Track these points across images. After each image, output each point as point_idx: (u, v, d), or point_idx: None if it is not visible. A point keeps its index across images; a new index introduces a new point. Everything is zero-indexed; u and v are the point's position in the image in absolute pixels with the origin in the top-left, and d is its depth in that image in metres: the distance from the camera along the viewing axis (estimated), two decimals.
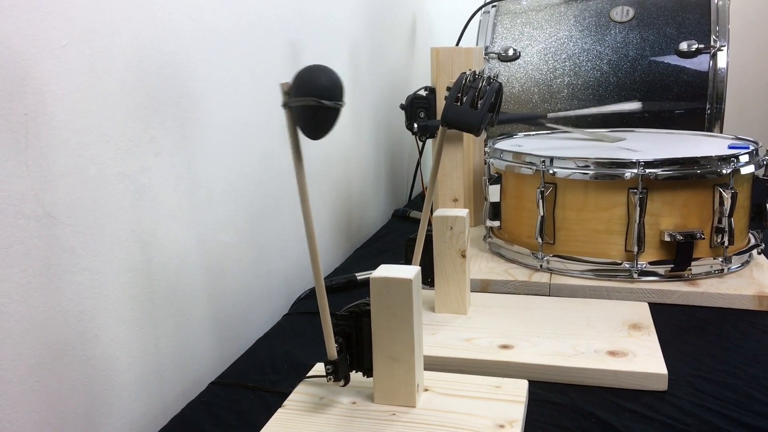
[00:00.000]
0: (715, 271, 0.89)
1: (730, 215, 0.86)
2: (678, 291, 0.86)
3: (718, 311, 0.83)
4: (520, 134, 1.21)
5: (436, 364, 0.70)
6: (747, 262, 0.93)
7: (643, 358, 0.68)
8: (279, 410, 0.61)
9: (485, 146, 1.08)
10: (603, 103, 1.32)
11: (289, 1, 0.94)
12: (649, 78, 1.30)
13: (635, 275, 0.88)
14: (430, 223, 0.78)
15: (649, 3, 1.36)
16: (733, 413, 0.61)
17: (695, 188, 0.87)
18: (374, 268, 0.60)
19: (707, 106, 1.28)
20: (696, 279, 0.88)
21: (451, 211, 0.78)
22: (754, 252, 0.94)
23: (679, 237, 0.85)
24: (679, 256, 0.87)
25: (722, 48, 1.27)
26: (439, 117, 0.95)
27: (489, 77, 0.65)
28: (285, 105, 0.51)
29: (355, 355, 0.61)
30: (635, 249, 0.87)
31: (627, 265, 0.88)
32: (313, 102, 0.49)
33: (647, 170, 0.85)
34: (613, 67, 1.33)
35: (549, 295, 0.90)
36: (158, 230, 0.67)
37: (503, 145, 1.05)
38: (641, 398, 0.64)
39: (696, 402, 0.63)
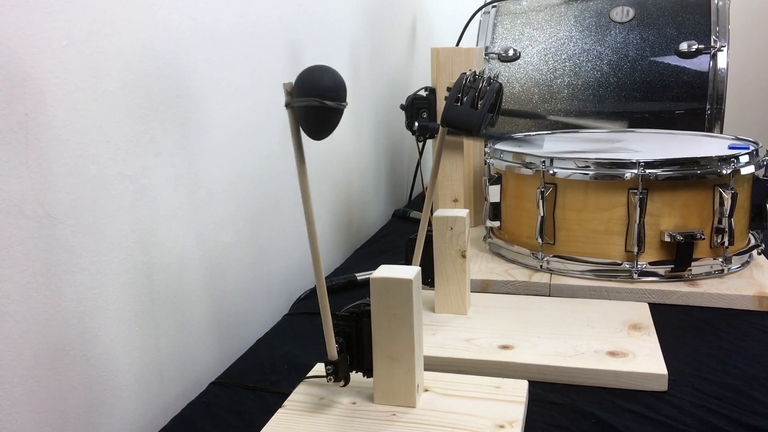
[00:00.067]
0: (715, 271, 0.89)
1: (730, 216, 0.86)
2: (678, 291, 0.86)
3: (718, 312, 0.83)
4: (520, 134, 1.21)
5: (436, 365, 0.70)
6: (747, 262, 0.93)
7: (643, 359, 0.68)
8: (279, 410, 0.61)
9: (485, 147, 1.08)
10: (603, 103, 1.32)
11: (289, 1, 0.94)
12: (650, 78, 1.30)
13: (635, 276, 0.88)
14: (430, 224, 0.78)
15: (650, 3, 1.36)
16: (733, 413, 0.61)
17: (695, 188, 0.87)
18: (374, 268, 0.60)
19: (707, 107, 1.28)
20: (696, 279, 0.88)
21: (451, 211, 0.78)
22: (754, 252, 0.94)
23: (679, 237, 0.85)
24: (679, 256, 0.87)
25: (722, 48, 1.27)
26: (439, 117, 0.95)
27: (489, 77, 0.65)
28: (288, 105, 0.51)
29: (356, 355, 0.61)
30: (635, 249, 0.87)
31: (627, 266, 0.88)
32: (316, 102, 0.49)
33: (647, 171, 0.85)
34: (613, 67, 1.33)
35: (549, 296, 0.90)
36: (158, 230, 0.67)
37: (503, 145, 1.05)
38: (641, 398, 0.64)
39: (696, 402, 0.63)
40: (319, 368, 0.67)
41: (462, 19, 1.55)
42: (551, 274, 0.93)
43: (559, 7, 1.42)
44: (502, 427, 0.57)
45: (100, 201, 0.59)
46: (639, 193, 0.85)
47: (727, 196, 0.86)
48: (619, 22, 1.35)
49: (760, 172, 0.92)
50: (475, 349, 0.72)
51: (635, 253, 0.87)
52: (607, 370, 0.67)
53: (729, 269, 0.90)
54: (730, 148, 0.95)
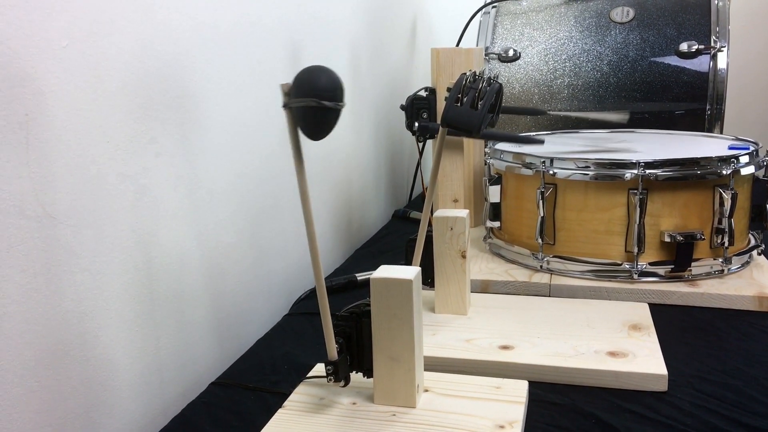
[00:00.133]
0: (715, 271, 0.89)
1: (730, 216, 0.87)
2: (678, 292, 0.86)
3: (718, 312, 0.83)
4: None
5: (436, 365, 0.70)
6: (747, 262, 0.93)
7: (643, 359, 0.68)
8: (279, 411, 0.61)
9: (485, 147, 1.08)
10: (603, 103, 1.32)
11: (289, 1, 0.94)
12: (650, 79, 1.30)
13: (635, 276, 0.88)
14: (430, 224, 0.78)
15: (650, 4, 1.36)
16: (733, 414, 0.61)
17: (695, 189, 0.87)
18: (374, 268, 0.60)
19: (707, 107, 1.28)
20: (696, 280, 0.88)
21: (451, 211, 0.78)
22: (754, 253, 0.94)
23: (679, 238, 0.86)
24: (679, 256, 0.87)
25: (722, 49, 1.27)
26: (439, 118, 0.95)
27: (489, 78, 0.65)
28: (285, 106, 0.51)
29: (356, 355, 0.61)
30: (635, 250, 0.87)
31: (627, 266, 0.88)
32: (314, 103, 0.49)
33: (647, 171, 0.85)
34: (613, 67, 1.33)
35: (549, 296, 0.90)
36: (158, 231, 0.67)
37: (503, 145, 1.05)
38: (641, 399, 0.64)
39: (696, 403, 0.63)
40: (319, 368, 0.67)
41: (462, 20, 1.55)
42: (551, 274, 0.93)
43: (559, 8, 1.42)
44: (502, 427, 0.57)
45: (100, 201, 0.59)
46: (639, 194, 0.85)
47: (727, 197, 0.86)
48: (619, 23, 1.35)
49: (760, 173, 0.92)
50: (475, 350, 0.72)
51: (635, 254, 0.87)
52: (607, 370, 0.67)
53: (729, 269, 0.90)
54: (730, 148, 0.95)
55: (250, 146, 0.85)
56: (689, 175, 0.86)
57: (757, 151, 0.92)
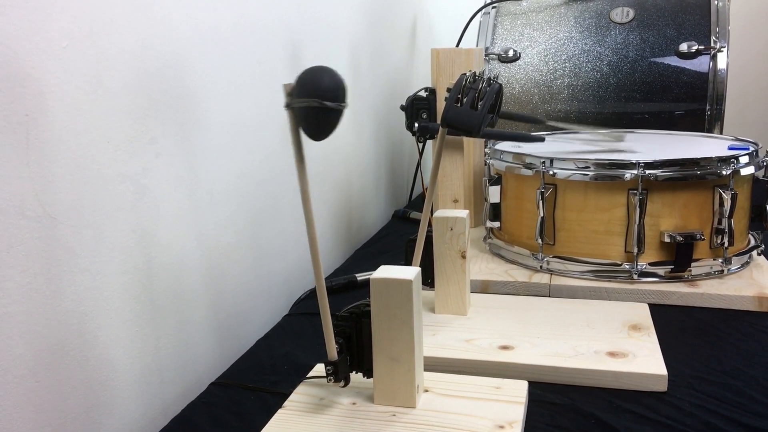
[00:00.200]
0: (715, 272, 0.89)
1: (730, 216, 0.87)
2: (678, 292, 0.86)
3: (718, 312, 0.83)
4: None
5: (436, 365, 0.70)
6: (747, 263, 0.93)
7: (643, 359, 0.68)
8: (279, 411, 0.61)
9: (485, 147, 1.08)
10: (603, 104, 1.33)
11: (289, 1, 0.94)
12: (649, 79, 1.30)
13: (635, 276, 0.88)
14: (430, 224, 0.78)
15: (649, 4, 1.36)
16: (733, 414, 0.61)
17: (695, 189, 0.87)
18: (374, 268, 0.60)
19: (707, 107, 1.28)
20: (696, 280, 0.88)
21: (451, 212, 0.78)
22: (754, 253, 0.94)
23: (679, 238, 0.86)
24: (679, 257, 0.87)
25: (722, 49, 1.27)
26: (439, 118, 0.95)
27: (489, 78, 0.65)
28: (288, 106, 0.51)
29: (356, 355, 0.61)
30: (635, 250, 0.87)
31: (627, 266, 0.88)
32: (316, 103, 0.49)
33: (647, 171, 0.85)
34: (613, 68, 1.33)
35: (549, 296, 0.90)
36: (159, 231, 0.67)
37: (503, 146, 1.05)
38: (641, 399, 0.64)
39: (696, 403, 0.63)
40: (319, 369, 0.67)
41: (462, 20, 1.55)
42: (551, 274, 0.93)
43: (559, 8, 1.42)
44: (501, 427, 0.57)
45: (100, 201, 0.59)
46: (639, 194, 0.85)
47: (726, 197, 0.86)
48: (619, 23, 1.35)
49: (760, 173, 0.92)
50: (475, 350, 0.72)
51: (635, 254, 0.87)
52: (607, 370, 0.67)
53: (729, 270, 0.90)
54: (730, 148, 0.95)
55: (250, 146, 0.85)
56: (689, 176, 0.86)
57: (756, 151, 0.92)
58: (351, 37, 1.19)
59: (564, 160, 0.90)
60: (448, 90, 0.64)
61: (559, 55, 1.36)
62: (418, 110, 1.14)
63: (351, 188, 1.23)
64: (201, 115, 0.74)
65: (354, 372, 0.62)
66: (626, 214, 0.88)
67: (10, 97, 0.49)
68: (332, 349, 0.59)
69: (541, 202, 0.91)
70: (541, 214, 0.91)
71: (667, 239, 0.86)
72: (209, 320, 0.77)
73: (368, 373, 0.61)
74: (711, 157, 0.87)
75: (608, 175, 0.87)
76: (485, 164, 1.04)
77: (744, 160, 0.88)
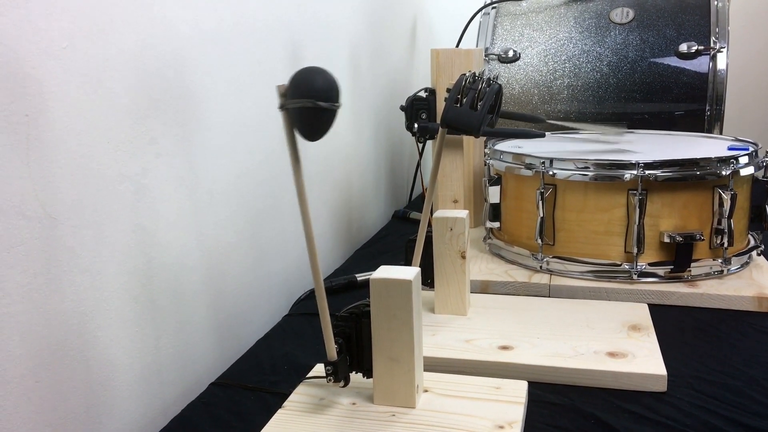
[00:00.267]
0: (714, 272, 0.89)
1: (730, 216, 0.87)
2: (677, 292, 0.86)
3: (717, 312, 0.83)
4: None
5: (435, 365, 0.70)
6: (746, 263, 0.93)
7: (643, 360, 0.68)
8: (279, 411, 0.61)
9: (485, 147, 1.08)
10: (603, 104, 1.33)
11: (289, 1, 0.94)
12: (649, 79, 1.31)
13: (635, 276, 0.88)
14: (430, 224, 0.78)
15: (649, 4, 1.36)
16: (733, 414, 0.61)
17: (695, 190, 0.87)
18: (374, 269, 0.60)
19: (707, 108, 1.28)
20: (695, 280, 0.88)
21: (451, 212, 0.78)
22: (754, 253, 0.94)
23: (679, 238, 0.86)
24: (678, 257, 0.87)
25: (722, 49, 1.27)
26: (438, 118, 0.95)
27: (489, 79, 0.65)
28: (282, 107, 0.51)
29: (355, 356, 0.61)
30: (635, 250, 0.87)
31: (627, 267, 0.88)
32: (310, 104, 0.50)
33: (647, 172, 0.85)
34: (612, 68, 1.33)
35: (549, 296, 0.90)
36: (158, 231, 0.67)
37: (503, 146, 1.05)
38: (641, 399, 0.64)
39: (695, 403, 0.63)
40: (319, 369, 0.67)
41: (462, 20, 1.55)
42: (551, 274, 0.93)
43: (559, 9, 1.42)
44: (501, 427, 0.57)
45: (100, 201, 0.59)
46: (638, 194, 0.85)
47: (726, 197, 0.86)
48: (618, 24, 1.35)
49: (760, 173, 0.92)
50: (474, 350, 0.72)
51: (635, 254, 0.87)
52: (607, 370, 0.67)
53: (728, 270, 0.90)
54: (730, 149, 0.96)
55: (250, 146, 0.85)
56: (689, 176, 0.86)
57: (756, 151, 0.92)
58: (351, 37, 1.19)
59: (563, 160, 0.90)
60: (448, 90, 0.64)
61: (558, 55, 1.36)
62: (417, 110, 1.14)
63: (351, 188, 1.23)
64: (201, 115, 0.74)
65: (354, 372, 0.62)
66: (626, 215, 0.88)
67: (10, 97, 0.49)
68: (332, 350, 0.59)
69: (540, 202, 0.91)
70: (541, 215, 0.92)
71: (666, 239, 0.86)
72: (209, 320, 0.77)
73: (368, 373, 0.61)
74: (711, 158, 0.87)
75: (608, 175, 0.87)
76: (485, 164, 1.04)
77: (744, 160, 0.88)
